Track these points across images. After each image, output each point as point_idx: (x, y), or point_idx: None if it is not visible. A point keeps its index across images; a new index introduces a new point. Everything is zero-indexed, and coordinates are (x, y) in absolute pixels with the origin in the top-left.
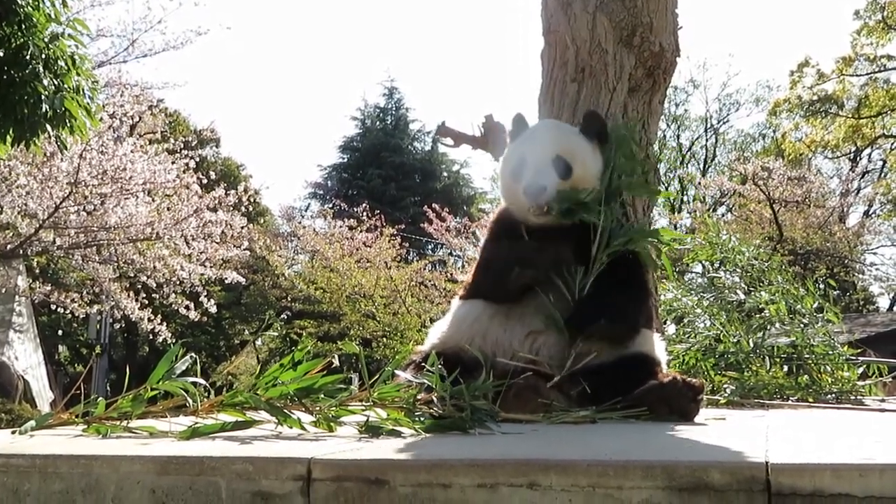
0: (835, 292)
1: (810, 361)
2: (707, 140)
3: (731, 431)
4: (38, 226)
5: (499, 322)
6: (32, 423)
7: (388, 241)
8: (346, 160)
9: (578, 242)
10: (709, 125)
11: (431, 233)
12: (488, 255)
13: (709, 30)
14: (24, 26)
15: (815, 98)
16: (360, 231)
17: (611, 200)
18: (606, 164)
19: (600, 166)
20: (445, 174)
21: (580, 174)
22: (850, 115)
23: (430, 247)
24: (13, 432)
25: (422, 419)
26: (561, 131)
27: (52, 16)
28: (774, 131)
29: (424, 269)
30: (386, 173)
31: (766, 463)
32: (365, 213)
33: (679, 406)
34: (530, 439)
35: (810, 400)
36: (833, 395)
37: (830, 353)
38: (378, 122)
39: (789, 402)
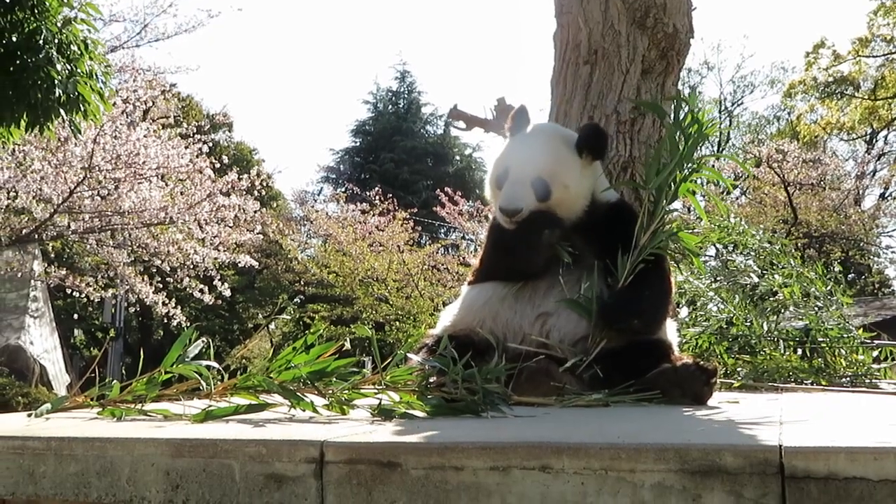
0: (849, 276)
1: (824, 345)
2: (721, 122)
3: (744, 414)
4: (52, 210)
5: (509, 304)
6: (48, 405)
7: (401, 225)
8: (358, 144)
9: (585, 240)
10: (723, 107)
11: (444, 216)
12: (501, 234)
13: (723, 10)
14: (36, 11)
15: (830, 79)
16: (373, 215)
17: (660, 200)
18: (655, 161)
19: (588, 184)
20: (458, 158)
21: (559, 197)
22: (866, 97)
23: (442, 230)
24: (29, 415)
25: (434, 402)
26: (550, 147)
27: (65, 0)
28: (789, 113)
29: (437, 252)
30: (398, 157)
31: (780, 446)
32: (377, 197)
33: (692, 389)
34: (543, 422)
35: (824, 383)
36: (847, 379)
37: (845, 336)
38: (390, 106)
39: (803, 385)
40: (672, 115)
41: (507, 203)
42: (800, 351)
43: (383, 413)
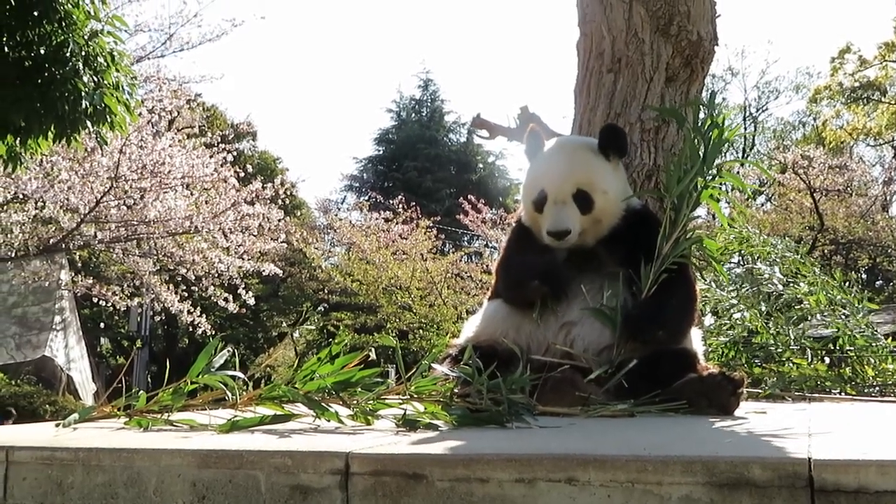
0: (877, 282)
1: (852, 353)
2: (746, 129)
3: (772, 426)
4: (79, 220)
5: (531, 315)
6: (76, 415)
7: (424, 233)
8: (381, 152)
9: (607, 248)
10: (747, 113)
11: (467, 224)
12: (510, 256)
13: (747, 16)
14: (64, 24)
15: (856, 85)
16: (396, 223)
17: (682, 208)
18: (676, 171)
19: (622, 186)
20: (481, 166)
21: (601, 205)
22: (892, 102)
23: (465, 238)
24: (57, 425)
25: (459, 413)
26: (578, 158)
27: (92, 13)
28: (815, 119)
29: (460, 260)
30: (421, 165)
31: (809, 459)
32: (401, 205)
33: (719, 399)
34: (568, 433)
35: (852, 393)
36: (876, 388)
37: (872, 344)
38: (413, 114)
39: (831, 395)
40: (691, 121)
41: (555, 226)
42: (827, 360)
43: (408, 424)
